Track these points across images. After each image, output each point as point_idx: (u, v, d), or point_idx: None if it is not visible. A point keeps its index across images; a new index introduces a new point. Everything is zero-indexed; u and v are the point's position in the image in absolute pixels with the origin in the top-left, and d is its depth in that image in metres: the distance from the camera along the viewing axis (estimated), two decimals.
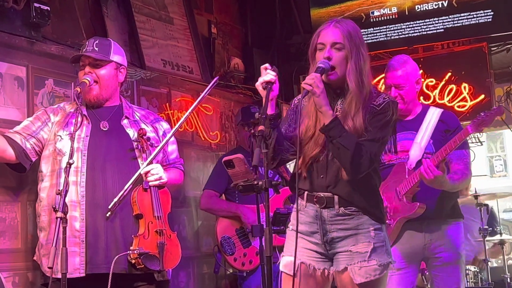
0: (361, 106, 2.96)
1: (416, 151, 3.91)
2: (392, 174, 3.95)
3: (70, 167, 3.25)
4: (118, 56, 3.84)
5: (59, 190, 3.18)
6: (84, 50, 3.78)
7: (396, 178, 3.92)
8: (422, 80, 5.77)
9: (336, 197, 3.00)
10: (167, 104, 5.26)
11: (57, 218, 3.09)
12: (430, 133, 3.92)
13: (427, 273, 4.71)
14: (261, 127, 2.72)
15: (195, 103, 3.89)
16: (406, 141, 3.97)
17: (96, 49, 3.75)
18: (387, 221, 3.79)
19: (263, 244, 3.50)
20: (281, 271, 3.09)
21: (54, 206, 3.14)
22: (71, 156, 3.28)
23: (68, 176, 3.21)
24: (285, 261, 3.06)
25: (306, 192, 3.07)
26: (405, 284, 3.93)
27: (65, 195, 3.14)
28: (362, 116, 2.94)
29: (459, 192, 4.27)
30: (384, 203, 3.82)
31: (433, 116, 3.98)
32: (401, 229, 3.90)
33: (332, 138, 2.88)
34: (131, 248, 3.51)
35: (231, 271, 4.97)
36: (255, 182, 2.78)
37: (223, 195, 5.13)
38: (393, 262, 3.04)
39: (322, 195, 3.01)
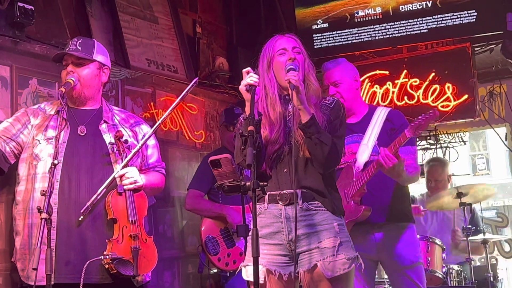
0: (316, 105, 3.13)
1: (363, 153, 3.92)
2: (341, 178, 3.95)
3: (55, 168, 3.22)
4: (101, 56, 3.81)
5: (44, 191, 3.15)
6: (67, 49, 3.74)
7: (345, 181, 3.92)
8: (406, 80, 5.84)
9: (299, 192, 3.05)
10: (151, 103, 5.24)
11: (41, 219, 3.06)
12: (376, 133, 3.94)
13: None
14: (250, 128, 2.79)
15: (171, 107, 3.86)
16: (353, 144, 3.99)
17: (80, 48, 3.72)
18: None
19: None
20: (248, 281, 3.11)
21: (38, 207, 3.11)
22: (55, 157, 3.25)
23: (52, 177, 3.19)
24: (251, 271, 2.98)
25: (268, 193, 3.12)
26: (362, 285, 3.96)
27: (50, 196, 3.12)
28: (320, 113, 3.10)
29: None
30: None
31: (379, 116, 4.01)
32: (350, 233, 3.89)
33: (311, 134, 3.00)
34: (105, 253, 3.46)
35: (215, 270, 4.96)
36: (242, 183, 2.81)
37: (206, 195, 5.11)
38: (359, 258, 3.09)
39: (285, 191, 3.05)
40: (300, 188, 3.07)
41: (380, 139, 3.92)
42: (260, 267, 3.00)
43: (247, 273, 3.09)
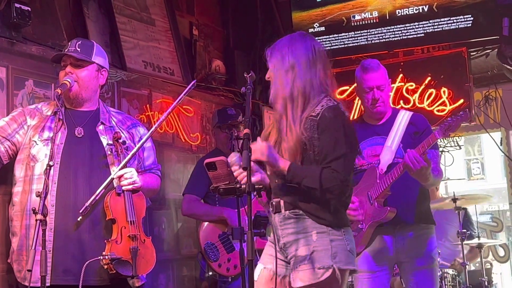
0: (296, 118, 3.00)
1: (387, 155, 3.91)
2: (364, 179, 3.96)
3: (50, 169, 3.21)
4: (100, 58, 3.80)
5: (39, 192, 3.14)
6: (66, 50, 3.74)
7: (368, 183, 3.92)
8: (402, 84, 5.86)
9: (281, 201, 3.03)
10: (147, 105, 5.23)
11: (36, 220, 3.05)
12: (400, 136, 3.93)
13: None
14: (246, 130, 2.77)
15: (168, 110, 3.88)
16: (377, 146, 3.98)
17: (79, 49, 3.71)
18: (359, 226, 3.85)
19: (243, 247, 3.52)
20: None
21: (33, 208, 3.11)
22: (51, 158, 3.24)
23: (48, 178, 3.18)
24: (257, 271, 3.10)
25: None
26: (377, 286, 3.96)
27: (45, 197, 3.11)
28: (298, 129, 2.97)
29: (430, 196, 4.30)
30: (357, 208, 3.85)
31: (403, 119, 3.99)
32: (373, 233, 3.91)
33: (298, 184, 2.92)
34: (103, 253, 3.46)
35: (210, 273, 4.94)
36: (238, 186, 2.84)
37: (202, 199, 5.04)
38: (339, 265, 2.94)
39: (273, 201, 3.05)
40: (280, 197, 3.04)
41: (404, 142, 3.91)
42: (271, 266, 3.04)
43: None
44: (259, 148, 2.91)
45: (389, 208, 3.81)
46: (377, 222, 3.85)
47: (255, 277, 3.04)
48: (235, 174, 2.94)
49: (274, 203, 3.05)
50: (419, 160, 3.61)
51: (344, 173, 2.90)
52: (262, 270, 3.07)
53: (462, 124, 5.75)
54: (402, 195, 3.86)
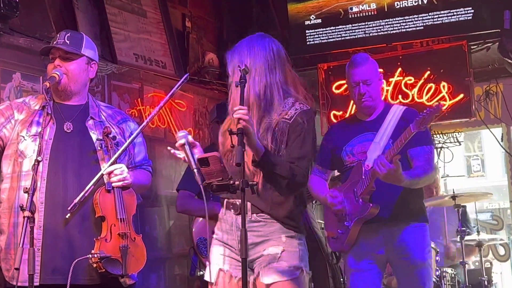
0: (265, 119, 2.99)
1: (374, 151, 3.86)
2: (351, 176, 3.94)
3: (38, 165, 3.15)
4: (89, 50, 3.73)
5: (26, 188, 3.08)
6: (55, 42, 3.67)
7: (354, 179, 3.90)
8: (401, 78, 5.82)
9: (249, 204, 3.00)
10: (139, 99, 5.23)
11: (24, 217, 2.99)
12: (390, 132, 3.89)
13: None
14: (239, 125, 2.72)
15: (161, 105, 3.80)
16: (366, 142, 3.95)
17: (68, 42, 3.64)
18: (345, 223, 3.86)
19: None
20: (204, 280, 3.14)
21: (21, 205, 3.04)
22: (39, 153, 3.18)
23: (36, 174, 3.12)
24: (207, 270, 3.10)
25: (225, 200, 3.13)
26: (367, 285, 3.92)
27: (33, 194, 3.05)
28: (276, 134, 2.98)
29: (425, 193, 4.28)
30: (345, 205, 3.87)
31: (394, 114, 3.95)
32: (360, 232, 3.88)
33: (267, 169, 2.90)
34: (92, 251, 3.40)
35: (202, 272, 4.87)
36: (231, 182, 2.77)
37: (196, 196, 4.97)
38: (306, 269, 3.02)
39: (237, 202, 3.02)
40: (248, 200, 2.96)
41: (394, 137, 3.85)
42: (228, 267, 3.05)
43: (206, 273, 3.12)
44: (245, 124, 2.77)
45: (371, 205, 3.78)
46: (361, 219, 3.82)
47: (212, 279, 3.06)
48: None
49: (238, 203, 3.02)
50: (385, 164, 3.56)
51: (307, 174, 2.99)
52: (219, 273, 3.06)
53: (461, 120, 5.86)
54: (385, 191, 3.80)
